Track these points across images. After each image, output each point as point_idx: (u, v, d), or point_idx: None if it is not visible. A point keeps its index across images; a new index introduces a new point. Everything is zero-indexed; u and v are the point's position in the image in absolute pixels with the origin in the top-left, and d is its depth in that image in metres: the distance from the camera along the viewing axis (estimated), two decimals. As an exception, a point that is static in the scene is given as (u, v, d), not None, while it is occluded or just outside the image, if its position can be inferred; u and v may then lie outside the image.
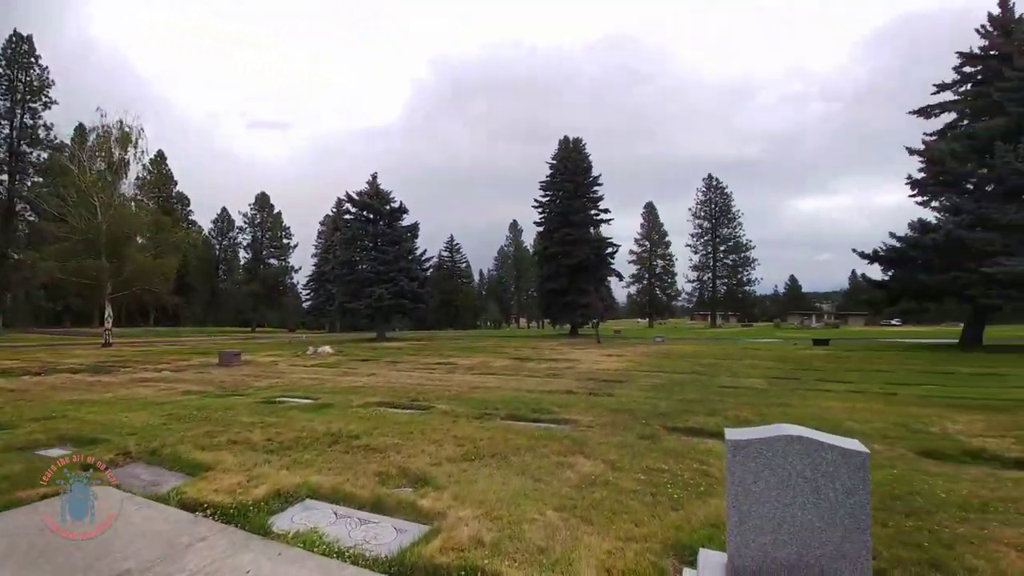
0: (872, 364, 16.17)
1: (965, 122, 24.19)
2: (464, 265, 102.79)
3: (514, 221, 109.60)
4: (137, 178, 32.01)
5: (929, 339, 30.99)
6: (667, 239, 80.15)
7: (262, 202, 76.27)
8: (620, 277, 50.74)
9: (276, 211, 77.66)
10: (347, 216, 43.43)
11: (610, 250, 46.35)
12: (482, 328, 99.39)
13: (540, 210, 48.94)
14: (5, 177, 50.26)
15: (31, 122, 51.92)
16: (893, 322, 79.24)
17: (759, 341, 33.45)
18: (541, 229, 49.14)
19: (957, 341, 24.52)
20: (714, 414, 7.13)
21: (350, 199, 41.02)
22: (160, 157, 72.56)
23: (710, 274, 71.24)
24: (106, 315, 30.25)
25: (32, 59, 52.10)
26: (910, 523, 3.10)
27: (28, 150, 51.96)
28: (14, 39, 50.76)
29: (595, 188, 47.27)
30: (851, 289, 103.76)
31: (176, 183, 74.25)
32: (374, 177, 41.78)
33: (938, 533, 2.94)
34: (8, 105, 49.82)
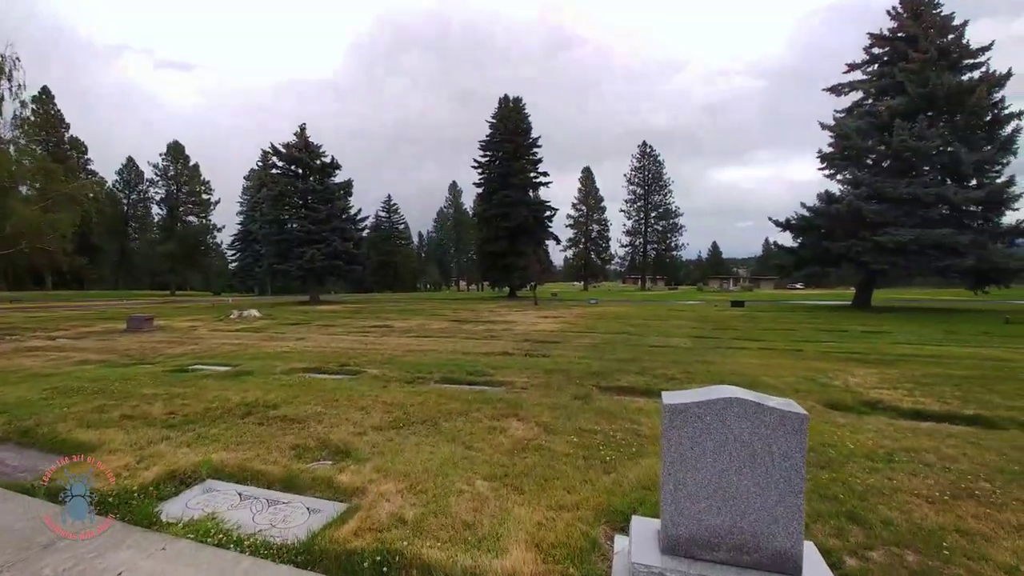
0: (780, 324, 17.45)
1: (870, 101, 25.88)
2: (403, 227, 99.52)
3: (453, 182, 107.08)
4: (15, 117, 27.28)
5: (828, 301, 34.14)
6: (603, 204, 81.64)
7: (176, 153, 68.51)
8: (557, 240, 51.18)
9: (193, 163, 70.23)
10: (274, 171, 40.05)
11: (548, 213, 46.39)
12: (422, 291, 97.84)
13: (480, 171, 47.77)
14: None
15: None
16: (797, 286, 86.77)
17: (684, 303, 35.28)
18: (481, 191, 48.10)
19: (850, 303, 27.14)
20: (644, 373, 7.25)
21: (276, 152, 37.71)
22: (46, 95, 62.86)
23: (642, 239, 73.72)
24: (-12, 276, 26.31)
25: None
26: (825, 475, 3.19)
27: None
28: None
29: (534, 150, 46.66)
30: (764, 255, 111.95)
31: (68, 126, 64.88)
32: (302, 129, 38.54)
33: (851, 484, 3.03)
34: None
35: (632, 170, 73.81)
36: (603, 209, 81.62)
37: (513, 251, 42.88)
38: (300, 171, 38.50)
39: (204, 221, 69.79)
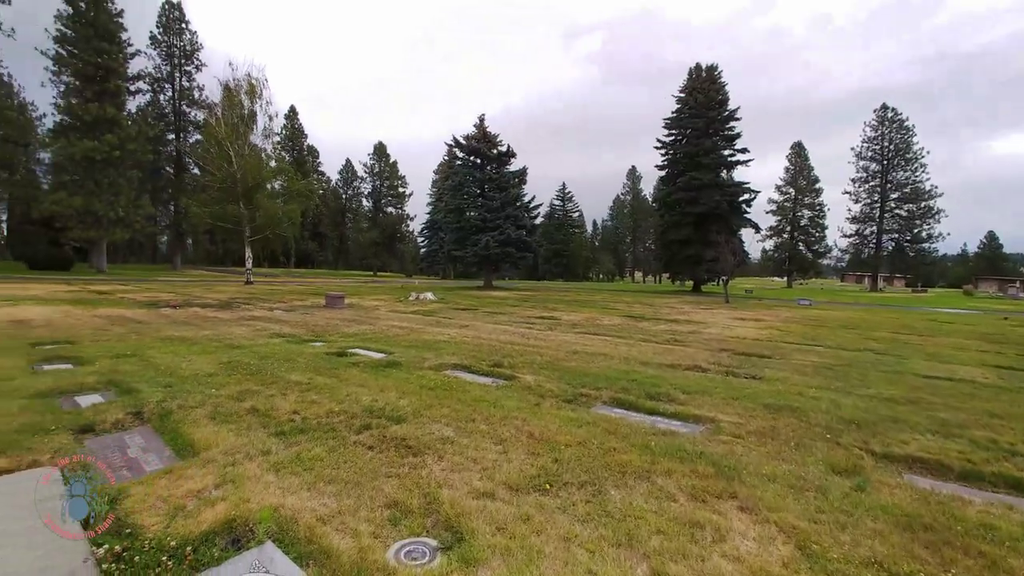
0: None
1: None
2: (577, 215, 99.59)
3: (632, 167, 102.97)
4: (264, 128, 34.31)
5: None
6: (817, 186, 68.54)
7: (380, 152, 79.88)
8: (757, 228, 44.32)
9: (392, 160, 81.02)
10: (457, 163, 43.04)
11: (746, 197, 40.32)
12: (593, 281, 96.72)
13: (663, 152, 43.96)
14: (173, 136, 57.91)
15: (187, 84, 58.63)
16: None
17: (946, 311, 26.84)
18: (663, 173, 44.33)
19: None
20: (946, 432, 4.55)
21: (457, 144, 40.31)
22: (293, 112, 79.02)
23: (875, 227, 59.60)
24: (247, 256, 33.71)
25: (182, 24, 57.93)
26: None
27: (187, 110, 58.94)
28: (167, 6, 56.63)
29: (731, 124, 40.88)
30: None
31: (306, 136, 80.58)
32: (481, 120, 40.39)
33: None
34: (168, 69, 56.57)
35: (864, 141, 59.81)
36: (818, 191, 68.61)
37: (700, 240, 38.39)
38: (478, 161, 40.52)
39: (400, 211, 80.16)
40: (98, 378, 5.64)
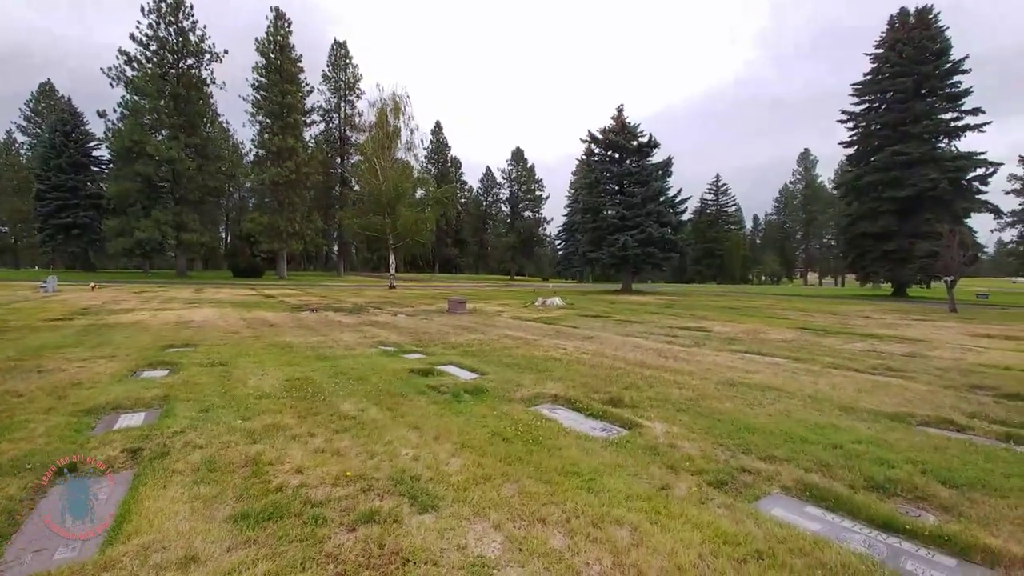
0: None
1: None
2: (733, 209, 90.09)
3: (805, 150, 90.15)
4: (406, 141, 36.55)
5: None
6: (1092, 152, 51.29)
7: (517, 158, 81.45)
8: (998, 213, 34.15)
9: (530, 164, 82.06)
10: (594, 159, 41.04)
11: (979, 172, 31.29)
12: (754, 283, 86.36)
13: (850, 126, 36.58)
14: (339, 159, 65.86)
15: (350, 112, 66.21)
16: None
17: None
18: (851, 151, 36.89)
19: None
20: None
21: (593, 139, 38.34)
22: (438, 127, 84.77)
23: None
24: (391, 263, 36.18)
25: (347, 60, 65.44)
26: None
27: (350, 134, 66.47)
28: (335, 46, 64.49)
29: (954, 80, 32.18)
30: None
31: (450, 148, 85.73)
32: (619, 111, 37.87)
33: None
34: (336, 100, 64.53)
35: None
36: (1091, 159, 51.28)
37: (907, 231, 30.80)
38: (616, 155, 38.09)
39: (537, 215, 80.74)
40: (160, 392, 5.22)
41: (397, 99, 35.19)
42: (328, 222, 61.51)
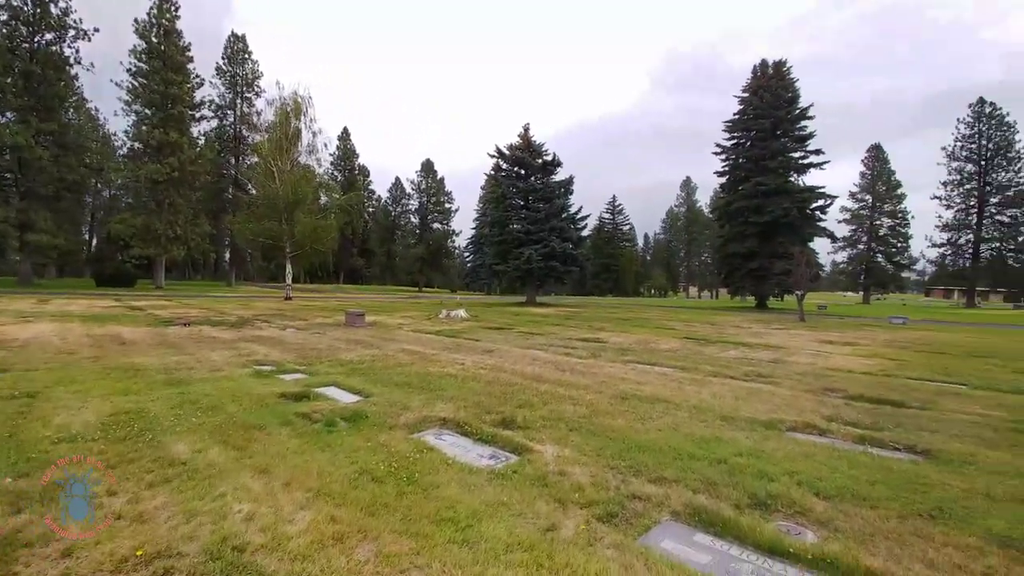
0: None
1: None
2: (627, 228, 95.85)
3: (687, 178, 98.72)
4: (308, 144, 34.09)
5: None
6: (899, 191, 61.75)
7: (427, 169, 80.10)
8: (834, 238, 39.62)
9: (439, 176, 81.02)
10: (501, 174, 41.21)
11: (821, 203, 36.05)
12: (645, 296, 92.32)
13: (723, 156, 40.44)
14: (233, 159, 60.05)
15: (247, 110, 60.97)
16: None
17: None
18: (724, 180, 40.77)
19: None
20: None
21: (500, 154, 38.62)
22: (345, 133, 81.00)
23: (971, 235, 52.43)
24: (287, 272, 33.30)
25: (245, 55, 60.34)
26: None
27: (246, 134, 61.17)
28: (232, 39, 59.21)
29: (802, 124, 36.91)
30: None
31: (358, 156, 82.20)
32: (526, 129, 38.59)
33: None
34: (231, 96, 58.96)
35: (958, 140, 52.91)
36: (899, 198, 61.80)
37: (767, 252, 34.52)
38: (522, 171, 38.67)
39: (446, 227, 79.76)
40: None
41: (299, 99, 32.80)
42: (218, 227, 55.63)
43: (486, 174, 42.65)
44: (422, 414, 4.99)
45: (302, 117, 33.24)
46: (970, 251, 52.89)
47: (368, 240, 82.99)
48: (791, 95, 37.26)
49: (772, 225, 34.79)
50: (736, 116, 39.65)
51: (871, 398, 6.76)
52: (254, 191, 47.46)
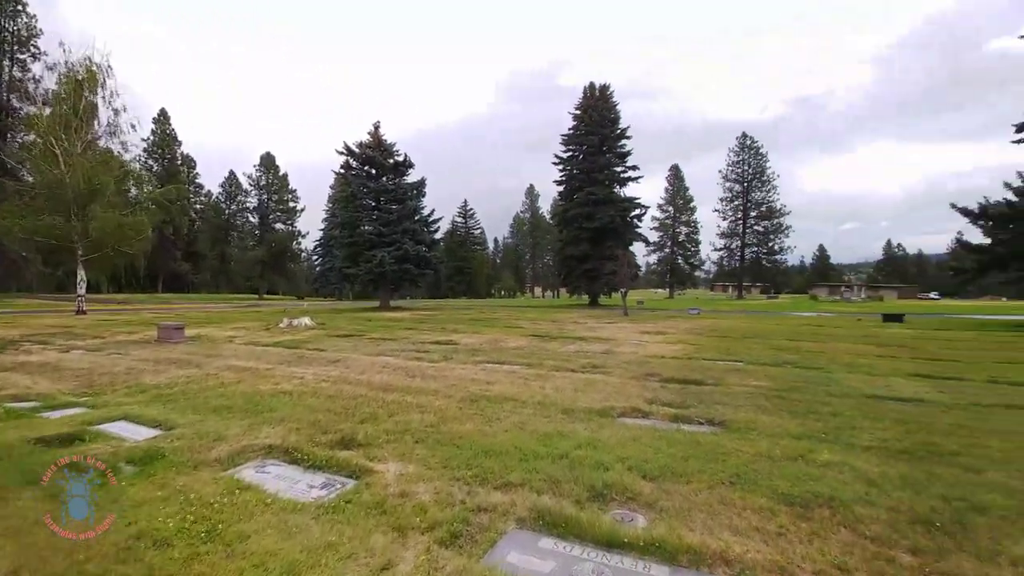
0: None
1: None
2: (479, 232, 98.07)
3: (531, 186, 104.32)
4: (108, 124, 27.60)
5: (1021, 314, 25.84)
6: (692, 204, 74.00)
7: (268, 163, 71.71)
8: (647, 243, 45.64)
9: (282, 172, 73.13)
10: (351, 173, 38.42)
11: (637, 212, 41.10)
12: (496, 297, 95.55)
13: (560, 167, 43.61)
14: (-3, 136, 46.32)
15: (20, 75, 47.79)
16: (932, 295, 73.17)
17: (807, 315, 28.57)
18: (561, 189, 43.94)
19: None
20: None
21: (349, 151, 36.16)
22: (164, 116, 68.40)
23: (739, 241, 65.12)
24: (79, 280, 26.53)
25: (17, 5, 47.30)
26: None
27: (18, 105, 47.88)
28: (-7, -16, 45.83)
29: (622, 142, 41.63)
30: (885, 259, 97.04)
31: (181, 143, 70.07)
32: (376, 127, 36.81)
33: None
34: (-7, 56, 45.48)
35: (729, 165, 65.53)
36: (692, 210, 74.09)
37: (597, 254, 38.16)
38: (373, 171, 36.77)
39: (291, 227, 72.31)
40: None
41: (93, 66, 26.32)
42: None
43: (335, 172, 39.27)
44: (241, 444, 4.13)
45: (98, 89, 26.88)
46: (739, 254, 65.55)
47: (196, 241, 71.14)
48: (613, 116, 41.80)
49: (601, 231, 38.58)
50: (571, 131, 43.09)
51: (680, 379, 7.66)
52: (29, 178, 37.22)
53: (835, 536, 2.67)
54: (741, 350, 11.62)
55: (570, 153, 43.08)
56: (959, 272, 22.37)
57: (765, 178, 63.53)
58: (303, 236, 72.70)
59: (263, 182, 70.04)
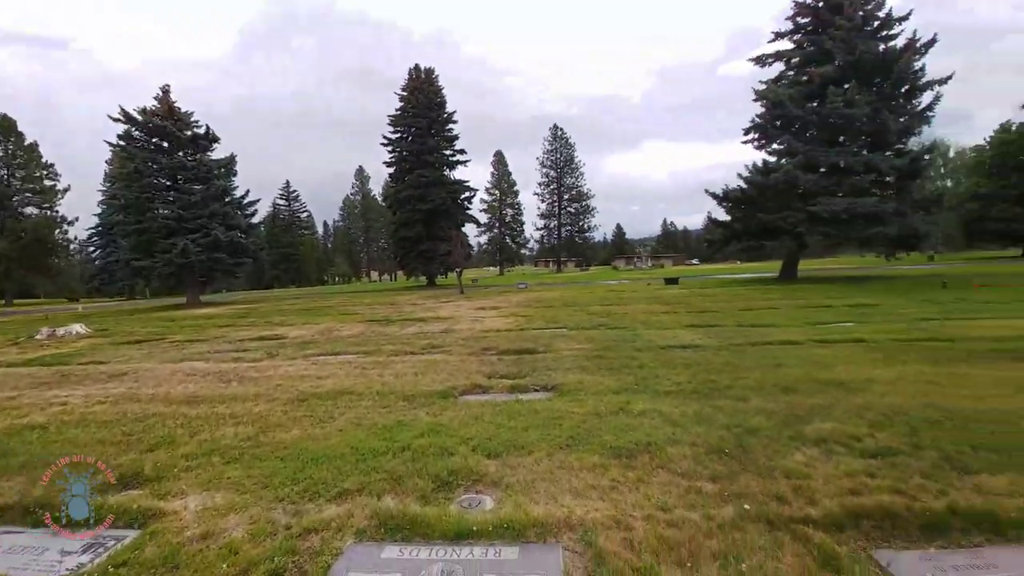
0: (757, 298, 14.91)
1: (792, 73, 24.58)
2: (305, 215, 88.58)
3: (360, 167, 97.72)
4: None
5: (751, 274, 33.77)
6: (515, 188, 78.32)
7: (5, 129, 52.74)
8: (478, 224, 46.82)
9: (29, 142, 54.61)
10: (136, 146, 30.26)
11: (467, 194, 41.66)
12: (330, 284, 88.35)
13: (390, 149, 41.53)
14: None
15: None
16: (693, 261, 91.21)
17: (612, 283, 32.95)
18: (392, 171, 41.99)
19: (777, 275, 26.19)
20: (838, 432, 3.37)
21: (128, 118, 28.49)
22: None
23: (556, 222, 71.64)
24: None
25: None
26: None
27: None
28: None
29: (450, 126, 41.42)
30: (663, 234, 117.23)
31: None
32: (165, 92, 29.74)
33: None
34: None
35: (544, 153, 71.14)
36: (516, 193, 78.37)
37: (431, 235, 37.73)
38: (164, 144, 29.81)
39: (51, 213, 54.91)
40: None
41: None
42: None
43: (111, 145, 29.67)
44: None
45: None
46: (556, 233, 72.11)
47: None
48: (440, 100, 41.19)
49: (434, 212, 38.19)
50: (399, 112, 41.18)
51: (515, 350, 7.91)
52: None
53: (655, 479, 2.93)
54: (564, 317, 12.64)
55: (399, 135, 41.29)
56: (711, 243, 28.16)
57: (574, 166, 70.73)
58: (70, 223, 55.88)
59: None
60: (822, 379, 5.05)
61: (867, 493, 2.58)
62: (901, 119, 20.97)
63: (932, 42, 20.52)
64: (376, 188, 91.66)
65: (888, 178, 21.90)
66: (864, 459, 3.04)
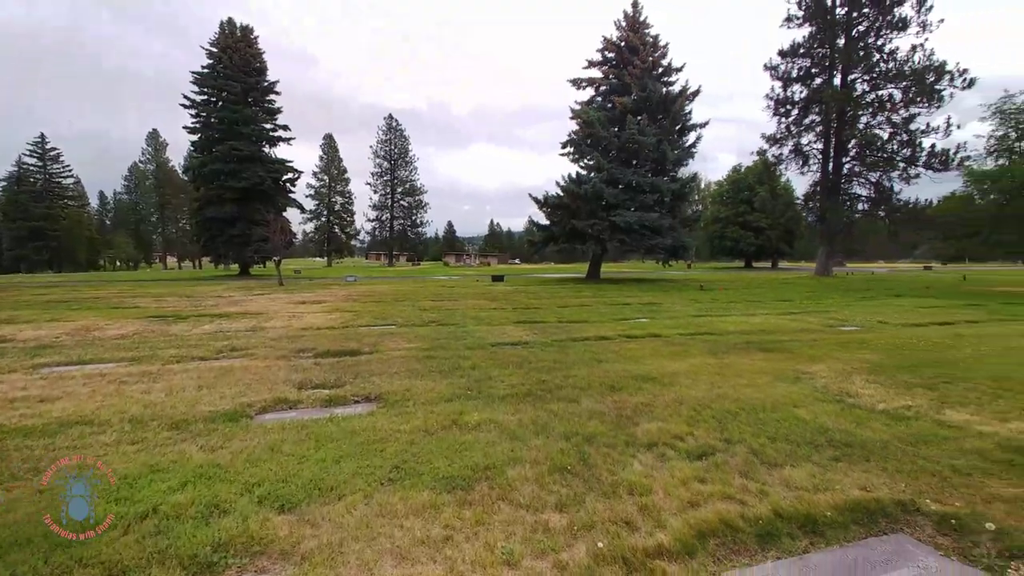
0: (571, 296, 16.23)
1: (600, 99, 27.78)
2: (71, 181, 66.23)
3: (154, 130, 77.40)
4: None
5: (565, 274, 37.23)
6: (347, 176, 72.07)
7: None
8: (302, 209, 41.26)
9: None
10: None
11: (291, 176, 36.30)
12: (108, 269, 68.25)
13: (194, 112, 33.52)
14: None
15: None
16: (515, 261, 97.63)
17: (442, 278, 32.72)
18: (197, 138, 34.01)
19: (585, 276, 29.49)
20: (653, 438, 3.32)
21: None
22: None
23: (388, 214, 68.32)
24: None
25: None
26: None
27: None
28: None
29: (271, 97, 35.46)
30: (490, 234, 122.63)
31: None
32: None
33: None
34: None
35: (379, 143, 67.00)
36: (347, 180, 72.13)
37: (246, 218, 31.81)
38: None
39: None
40: None
41: None
42: None
43: None
44: None
45: None
46: (389, 226, 68.87)
47: None
48: (259, 65, 34.86)
49: (250, 192, 32.31)
50: (206, 71, 33.54)
51: (335, 351, 6.76)
52: None
53: (497, 517, 2.43)
54: (394, 313, 11.67)
55: (206, 96, 33.69)
56: (532, 244, 30.12)
57: (408, 159, 68.39)
58: None
59: None
60: (637, 374, 5.38)
61: (704, 503, 2.54)
62: (675, 151, 25.56)
63: (697, 93, 25.58)
64: (176, 158, 73.72)
65: (666, 198, 26.48)
66: (691, 462, 3.09)
